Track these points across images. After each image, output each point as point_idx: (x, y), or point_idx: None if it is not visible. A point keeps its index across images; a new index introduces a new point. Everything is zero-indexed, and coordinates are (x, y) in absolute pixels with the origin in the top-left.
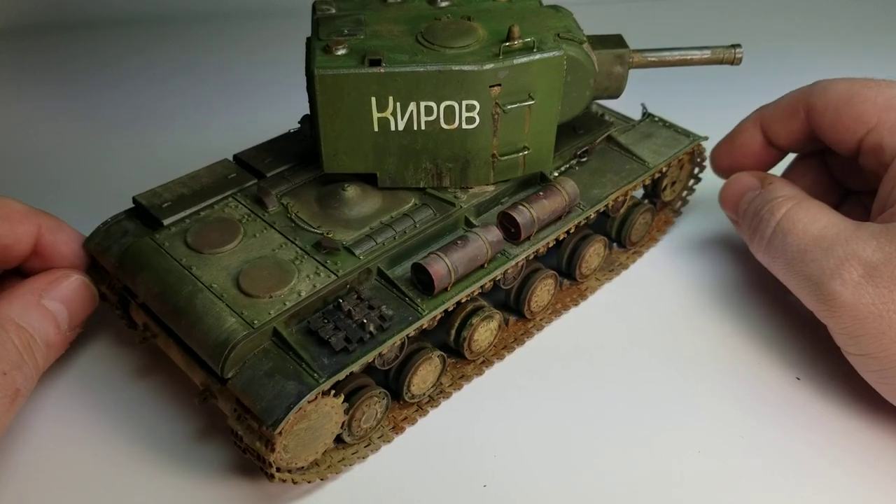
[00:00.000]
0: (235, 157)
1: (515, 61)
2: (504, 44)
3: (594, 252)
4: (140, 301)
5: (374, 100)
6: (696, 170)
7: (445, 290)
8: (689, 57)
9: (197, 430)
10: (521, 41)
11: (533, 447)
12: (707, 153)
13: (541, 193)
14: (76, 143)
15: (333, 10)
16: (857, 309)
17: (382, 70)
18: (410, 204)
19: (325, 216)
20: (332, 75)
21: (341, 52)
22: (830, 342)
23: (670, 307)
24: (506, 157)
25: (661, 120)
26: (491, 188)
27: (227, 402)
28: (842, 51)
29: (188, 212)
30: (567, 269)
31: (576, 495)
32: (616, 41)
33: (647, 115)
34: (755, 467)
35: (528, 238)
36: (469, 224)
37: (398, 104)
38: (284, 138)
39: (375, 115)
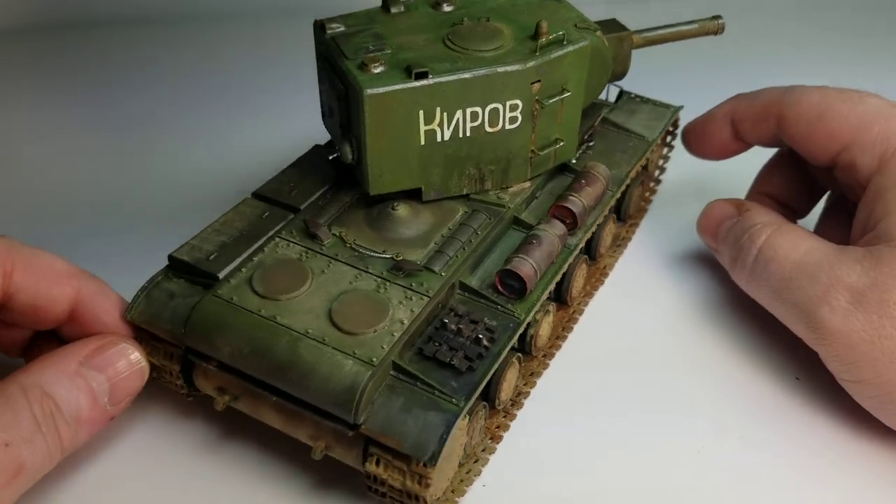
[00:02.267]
0: (255, 194)
1: (553, 55)
2: (539, 40)
3: (609, 230)
4: (215, 364)
5: (421, 113)
6: (669, 137)
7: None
8: (680, 31)
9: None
10: (550, 36)
11: (531, 446)
12: (682, 123)
13: (583, 181)
14: (73, 145)
15: (343, 28)
16: (848, 336)
17: (431, 81)
18: (461, 213)
19: (383, 239)
20: (381, 94)
21: (380, 69)
22: None
23: (669, 307)
24: (543, 152)
25: (637, 96)
26: (527, 184)
27: (352, 448)
28: (827, 56)
29: (239, 260)
30: (586, 250)
31: (574, 495)
32: (615, 25)
33: (622, 93)
34: (755, 467)
35: (580, 227)
36: (519, 223)
37: (445, 114)
38: (298, 164)
39: (422, 127)
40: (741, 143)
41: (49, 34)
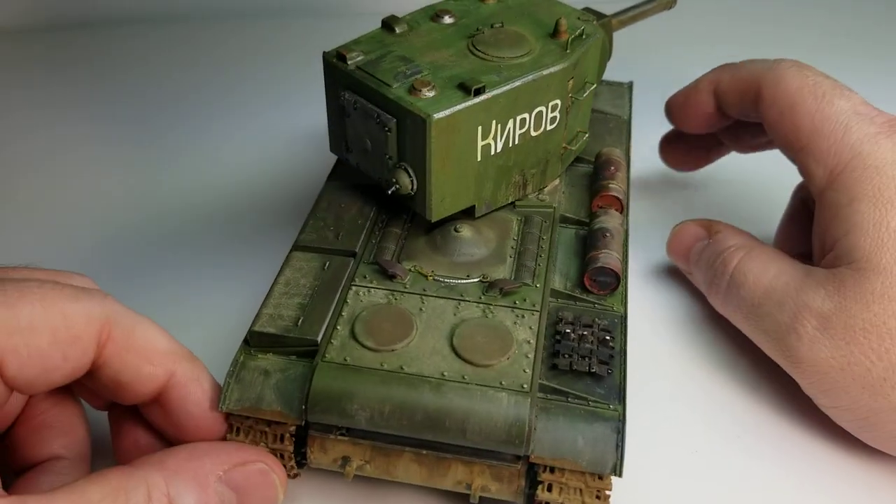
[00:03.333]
0: (299, 246)
1: (581, 51)
2: (563, 38)
3: None
4: (340, 433)
5: (480, 129)
6: None
7: None
8: (645, 10)
9: None
10: (575, 32)
11: None
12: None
13: (612, 168)
14: (71, 149)
15: (362, 56)
16: (817, 364)
17: (489, 95)
18: (517, 221)
19: (458, 264)
20: (447, 116)
21: (432, 92)
22: None
23: (665, 308)
24: (572, 146)
25: None
26: (557, 181)
27: (513, 482)
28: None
29: (328, 318)
30: None
31: None
32: (595, 12)
33: None
34: (752, 467)
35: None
36: (566, 219)
37: (499, 126)
38: (324, 204)
39: (479, 143)
40: (724, 117)
41: (66, 34)
